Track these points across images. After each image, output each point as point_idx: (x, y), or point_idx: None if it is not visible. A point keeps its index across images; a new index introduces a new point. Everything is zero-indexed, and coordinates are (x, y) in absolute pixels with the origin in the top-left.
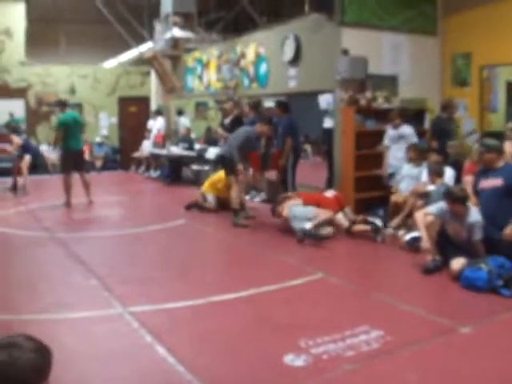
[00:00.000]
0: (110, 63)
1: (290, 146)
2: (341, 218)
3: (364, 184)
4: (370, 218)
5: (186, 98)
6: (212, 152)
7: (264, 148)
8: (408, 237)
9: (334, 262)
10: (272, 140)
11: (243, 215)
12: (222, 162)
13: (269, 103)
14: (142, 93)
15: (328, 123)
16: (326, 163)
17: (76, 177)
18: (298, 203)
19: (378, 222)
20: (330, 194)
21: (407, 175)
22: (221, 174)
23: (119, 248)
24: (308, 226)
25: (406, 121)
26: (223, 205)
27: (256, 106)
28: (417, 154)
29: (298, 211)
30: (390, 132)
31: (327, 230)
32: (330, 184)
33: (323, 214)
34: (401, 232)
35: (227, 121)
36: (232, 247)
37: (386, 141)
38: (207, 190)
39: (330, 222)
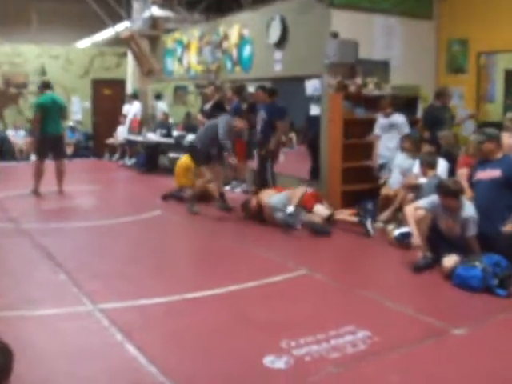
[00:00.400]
0: (84, 43)
1: (283, 129)
2: (319, 208)
3: (352, 176)
4: (359, 212)
5: (165, 82)
6: (191, 139)
7: (247, 136)
8: (398, 232)
9: (319, 258)
10: (254, 128)
11: (194, 206)
12: (191, 151)
13: (252, 88)
14: (117, 75)
15: (314, 110)
16: (310, 153)
17: (49, 164)
18: (272, 193)
19: (366, 217)
20: (302, 190)
21: (399, 167)
22: (187, 160)
23: (90, 241)
24: (290, 209)
25: (397, 109)
26: (202, 195)
27: (239, 90)
28: (412, 145)
29: (275, 200)
30: (381, 121)
31: (316, 219)
32: (313, 175)
33: (298, 192)
34: (390, 227)
35: (208, 106)
36: (210, 241)
37: (377, 130)
38: (182, 183)
39: (309, 211)
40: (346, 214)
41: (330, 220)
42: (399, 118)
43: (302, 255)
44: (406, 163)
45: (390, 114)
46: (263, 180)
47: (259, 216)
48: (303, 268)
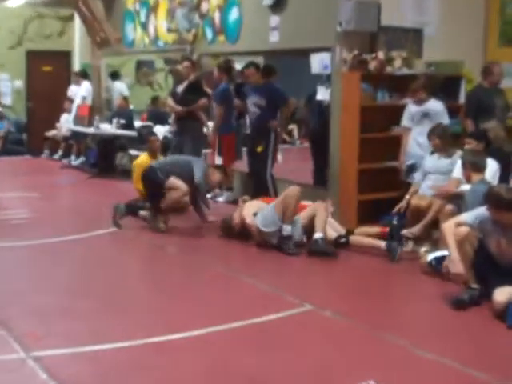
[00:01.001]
0: (15, 2)
1: (289, 112)
2: (330, 221)
3: (372, 181)
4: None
5: (124, 55)
6: (159, 132)
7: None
8: (432, 256)
9: (328, 289)
10: (243, 116)
11: (162, 220)
12: (148, 179)
13: (240, 65)
14: (60, 46)
15: (322, 94)
16: (314, 150)
17: None
18: (256, 204)
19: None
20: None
21: (433, 170)
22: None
23: (24, 266)
24: (286, 229)
25: (433, 93)
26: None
27: (229, 67)
28: (443, 141)
29: (263, 220)
30: (412, 108)
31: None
32: (318, 179)
33: (290, 199)
34: (423, 249)
35: (180, 88)
36: (182, 266)
37: (406, 120)
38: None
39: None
40: (364, 234)
41: (341, 242)
42: (435, 105)
43: (304, 285)
44: (442, 164)
45: (423, 100)
46: (260, 186)
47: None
48: (307, 303)
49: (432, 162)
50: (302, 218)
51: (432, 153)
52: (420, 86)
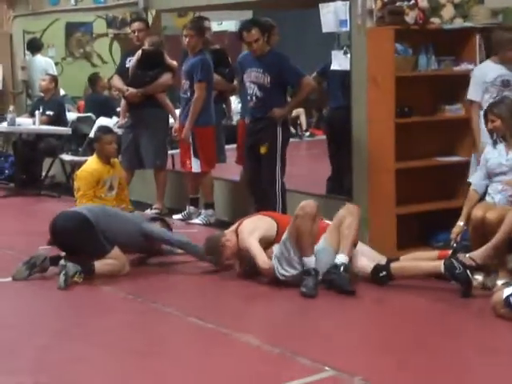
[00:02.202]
0: None
1: (303, 95)
2: (365, 249)
3: (415, 185)
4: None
5: (47, 16)
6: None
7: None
8: (510, 290)
9: (357, 346)
10: (228, 98)
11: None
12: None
13: (219, 25)
14: None
15: (339, 62)
16: (330, 146)
17: None
18: (260, 224)
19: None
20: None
21: (499, 168)
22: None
23: None
24: (309, 261)
25: None
26: None
27: (201, 29)
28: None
29: (278, 253)
30: (490, 72)
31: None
32: (335, 186)
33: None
34: (499, 281)
35: (132, 61)
36: (147, 321)
37: (475, 92)
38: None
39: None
40: (413, 260)
41: (380, 276)
42: None
43: (323, 341)
44: None
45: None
46: (267, 201)
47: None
48: (328, 367)
49: (496, 156)
50: (325, 239)
51: (494, 143)
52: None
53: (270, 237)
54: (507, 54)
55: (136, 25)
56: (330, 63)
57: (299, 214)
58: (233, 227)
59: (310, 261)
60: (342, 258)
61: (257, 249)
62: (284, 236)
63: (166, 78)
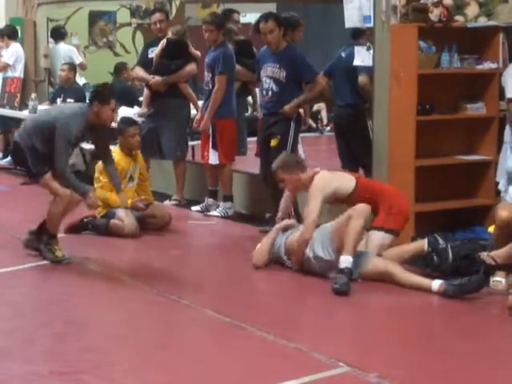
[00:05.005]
0: None
1: (316, 93)
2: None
3: (435, 183)
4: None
5: (71, 4)
6: (126, 115)
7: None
8: None
9: (371, 343)
10: (253, 90)
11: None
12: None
13: (243, 17)
14: None
15: (362, 58)
16: (339, 143)
17: None
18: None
19: None
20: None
21: None
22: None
23: None
24: (346, 261)
25: None
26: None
27: (223, 21)
28: None
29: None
30: None
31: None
32: None
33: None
34: None
35: (156, 50)
36: (162, 312)
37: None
38: (110, 198)
39: None
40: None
41: None
42: None
43: (338, 337)
44: None
45: None
46: (278, 195)
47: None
48: (342, 362)
49: None
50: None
51: None
52: None
53: (342, 194)
54: None
55: (157, 16)
56: (336, 62)
57: (354, 215)
58: (311, 171)
59: (348, 259)
60: (345, 261)
61: (313, 216)
62: (329, 226)
63: (190, 67)
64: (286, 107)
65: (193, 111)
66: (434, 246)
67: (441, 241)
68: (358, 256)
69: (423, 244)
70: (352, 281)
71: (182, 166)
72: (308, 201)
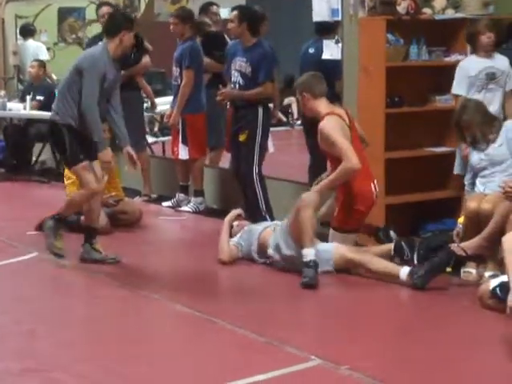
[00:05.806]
0: None
1: (262, 95)
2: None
3: (405, 175)
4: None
5: (40, 1)
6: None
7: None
8: (497, 281)
9: (343, 335)
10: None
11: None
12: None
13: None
14: None
15: (330, 51)
16: (306, 133)
17: None
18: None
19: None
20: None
21: (480, 164)
22: None
23: None
24: (309, 254)
25: (499, 45)
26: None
27: (190, 16)
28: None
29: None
30: (474, 66)
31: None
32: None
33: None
34: (487, 273)
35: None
36: (135, 308)
37: (459, 86)
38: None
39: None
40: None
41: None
42: (503, 63)
43: (310, 330)
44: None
45: (490, 54)
46: (248, 190)
47: None
48: (315, 356)
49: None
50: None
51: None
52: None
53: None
54: (482, 42)
55: (104, 9)
56: (304, 58)
57: (301, 206)
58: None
59: (310, 252)
60: (308, 255)
61: (347, 144)
62: (285, 221)
63: (145, 60)
64: (223, 92)
65: (164, 107)
66: (400, 254)
67: (406, 251)
68: (323, 250)
69: (390, 249)
70: (328, 273)
71: (143, 158)
72: (332, 142)
